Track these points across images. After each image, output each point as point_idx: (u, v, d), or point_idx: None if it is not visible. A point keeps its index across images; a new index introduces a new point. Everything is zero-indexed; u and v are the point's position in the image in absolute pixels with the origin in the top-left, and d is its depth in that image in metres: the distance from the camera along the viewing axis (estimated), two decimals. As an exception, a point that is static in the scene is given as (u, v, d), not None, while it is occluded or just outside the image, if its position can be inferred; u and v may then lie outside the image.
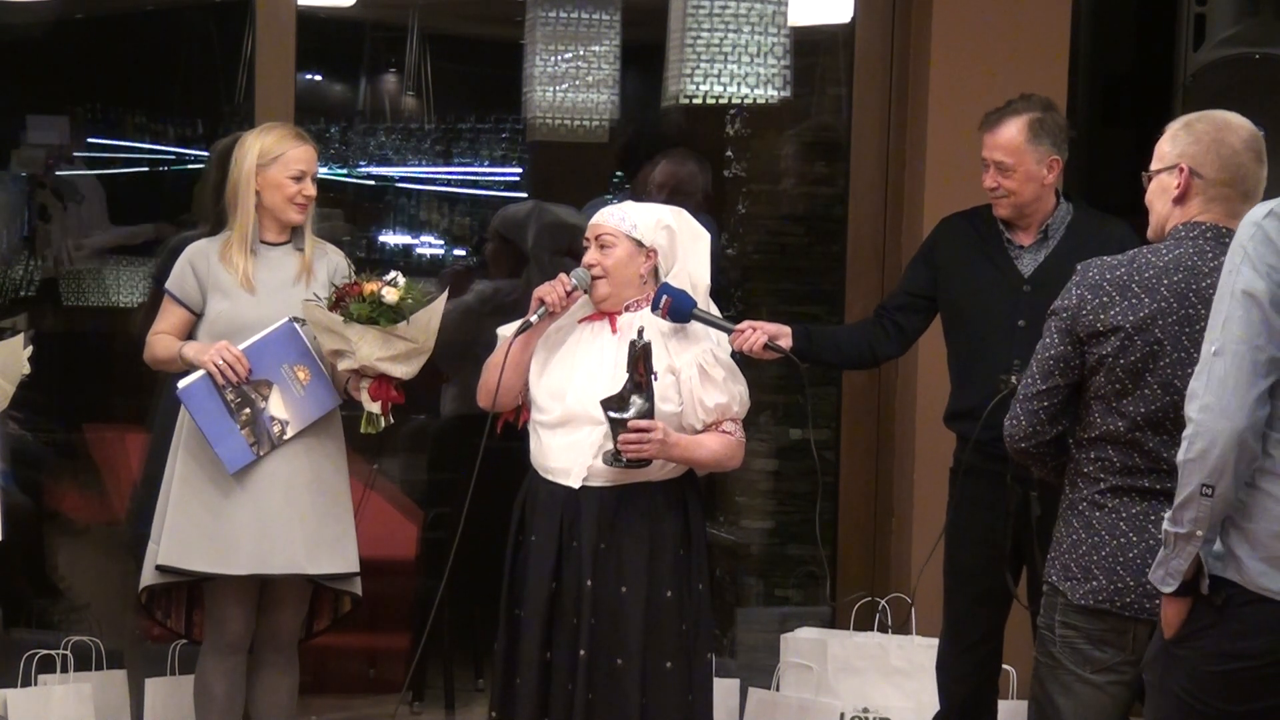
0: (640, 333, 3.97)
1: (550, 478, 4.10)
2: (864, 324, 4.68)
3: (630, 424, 3.93)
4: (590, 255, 4.15)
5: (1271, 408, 2.98)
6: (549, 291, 4.12)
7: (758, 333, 4.24)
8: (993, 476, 4.08)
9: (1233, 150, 3.36)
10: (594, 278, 4.14)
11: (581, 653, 4.00)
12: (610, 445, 3.98)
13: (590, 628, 4.01)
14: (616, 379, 4.00)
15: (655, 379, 3.98)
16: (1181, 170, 3.38)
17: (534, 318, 4.12)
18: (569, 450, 4.07)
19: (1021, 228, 4.38)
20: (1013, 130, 4.28)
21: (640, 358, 3.94)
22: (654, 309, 4.11)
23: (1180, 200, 3.39)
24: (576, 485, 4.06)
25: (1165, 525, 3.04)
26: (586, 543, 4.03)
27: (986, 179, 4.35)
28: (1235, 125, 3.39)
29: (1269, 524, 2.98)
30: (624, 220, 4.15)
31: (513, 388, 4.16)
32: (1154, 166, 3.45)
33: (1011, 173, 4.29)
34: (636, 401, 3.94)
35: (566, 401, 4.09)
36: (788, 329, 4.35)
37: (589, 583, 4.02)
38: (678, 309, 4.09)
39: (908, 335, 4.57)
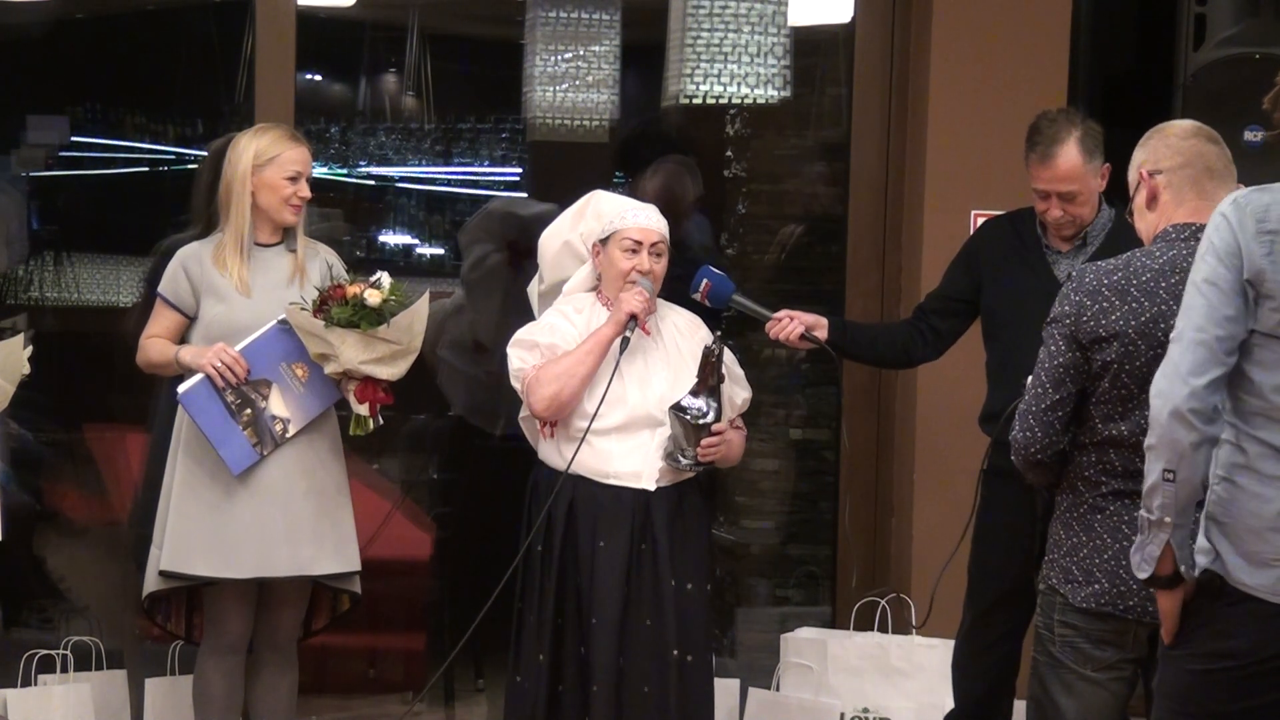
0: (717, 338, 3.96)
1: (617, 482, 4.11)
2: (902, 325, 4.66)
3: (714, 428, 3.96)
4: (648, 263, 4.12)
5: (1244, 403, 3.00)
6: (638, 305, 4.08)
7: (795, 322, 4.23)
8: (1020, 478, 4.05)
9: (1177, 137, 3.43)
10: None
11: (674, 653, 4.04)
12: (674, 448, 4.00)
13: (669, 626, 4.06)
14: (668, 380, 4.05)
15: (723, 382, 4.00)
16: (1141, 177, 3.44)
17: (629, 332, 4.09)
18: (635, 454, 4.10)
19: (1063, 235, 4.35)
20: (1072, 156, 4.18)
21: (716, 363, 3.93)
22: (692, 292, 4.08)
23: (1153, 203, 3.43)
24: (652, 487, 4.09)
25: (1140, 510, 3.06)
26: (662, 542, 4.07)
27: (1050, 210, 4.24)
28: (1174, 123, 3.49)
29: (1246, 520, 2.99)
30: (664, 227, 4.17)
31: (579, 398, 4.14)
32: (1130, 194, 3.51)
33: (1076, 198, 4.21)
34: (714, 405, 3.95)
35: (629, 406, 4.10)
36: (824, 320, 4.33)
37: (672, 582, 4.06)
38: (718, 293, 4.06)
39: (944, 339, 4.53)
